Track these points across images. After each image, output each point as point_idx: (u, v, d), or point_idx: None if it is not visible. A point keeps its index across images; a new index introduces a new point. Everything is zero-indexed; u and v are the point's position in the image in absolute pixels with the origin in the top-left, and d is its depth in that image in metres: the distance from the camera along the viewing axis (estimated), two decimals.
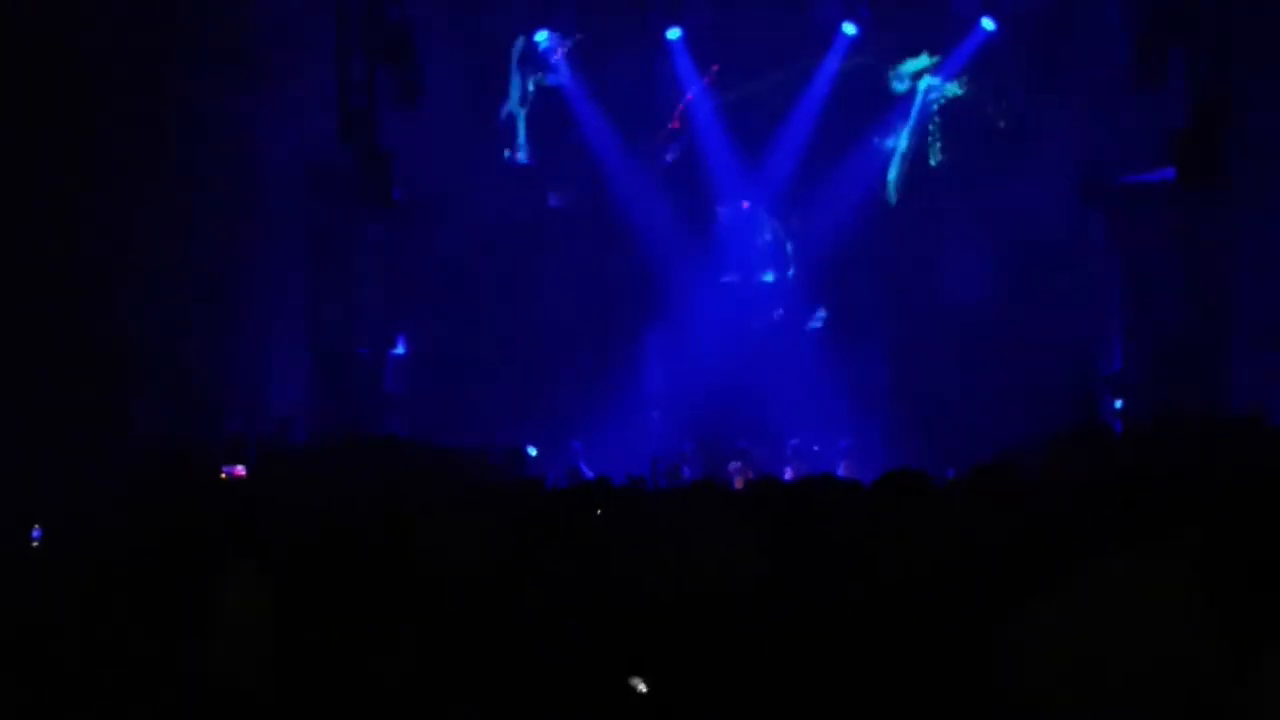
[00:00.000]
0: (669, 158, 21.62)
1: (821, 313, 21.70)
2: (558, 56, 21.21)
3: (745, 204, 21.89)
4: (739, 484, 17.39)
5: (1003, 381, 20.01)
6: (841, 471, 18.10)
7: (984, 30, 20.63)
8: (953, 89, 21.18)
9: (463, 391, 20.57)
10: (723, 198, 21.99)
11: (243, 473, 13.21)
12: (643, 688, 4.51)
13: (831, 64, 21.18)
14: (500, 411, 20.24)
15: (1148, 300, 19.41)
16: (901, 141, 21.38)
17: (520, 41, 21.15)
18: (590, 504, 6.76)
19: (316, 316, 19.03)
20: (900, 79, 21.30)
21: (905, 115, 21.34)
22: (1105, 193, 19.90)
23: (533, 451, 18.75)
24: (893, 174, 21.44)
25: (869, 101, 21.33)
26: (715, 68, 21.21)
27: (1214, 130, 16.62)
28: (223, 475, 13.33)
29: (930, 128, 21.35)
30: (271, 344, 18.63)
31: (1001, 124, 20.92)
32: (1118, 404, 19.51)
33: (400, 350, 20.73)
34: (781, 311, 21.74)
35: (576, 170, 21.55)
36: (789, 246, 21.83)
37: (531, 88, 21.33)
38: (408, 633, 4.27)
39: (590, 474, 17.17)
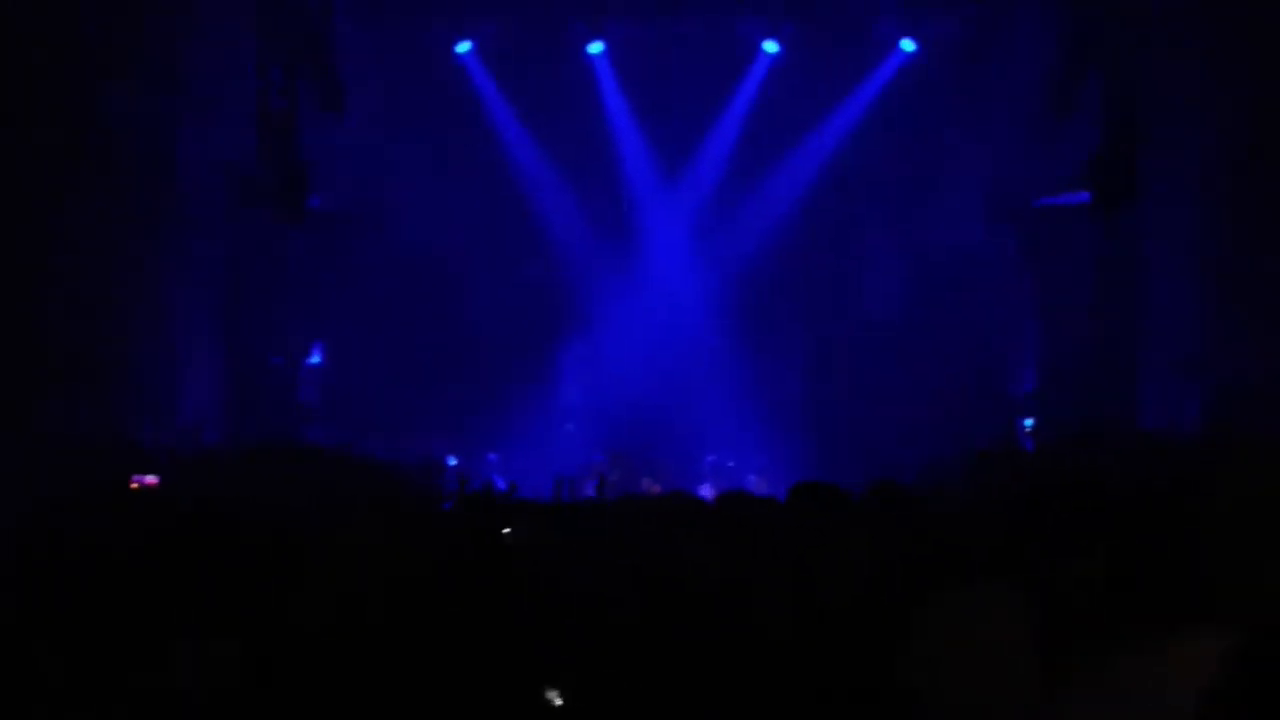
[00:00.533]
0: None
1: None
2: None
3: None
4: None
5: (918, 399, 20.14)
6: (752, 487, 18.20)
7: (903, 52, 20.75)
8: None
9: (380, 401, 20.48)
10: (642, 211, 22.02)
11: (154, 481, 13.10)
12: (558, 701, 4.52)
13: (753, 81, 21.26)
14: (418, 421, 20.16)
15: (1059, 320, 19.62)
16: None
17: None
18: (494, 521, 6.76)
19: (232, 323, 18.90)
20: None
21: (826, 131, 21.42)
22: (1019, 213, 20.08)
23: (452, 462, 18.72)
24: None
25: (789, 119, 21.39)
26: None
27: (1128, 155, 16.83)
28: (133, 483, 13.20)
29: None
30: (186, 350, 18.47)
31: (918, 145, 21.05)
32: (1028, 422, 19.67)
33: (316, 359, 20.62)
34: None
35: (496, 181, 21.50)
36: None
37: None
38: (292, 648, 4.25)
39: (504, 486, 17.15)
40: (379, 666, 4.14)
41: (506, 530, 7.95)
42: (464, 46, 20.98)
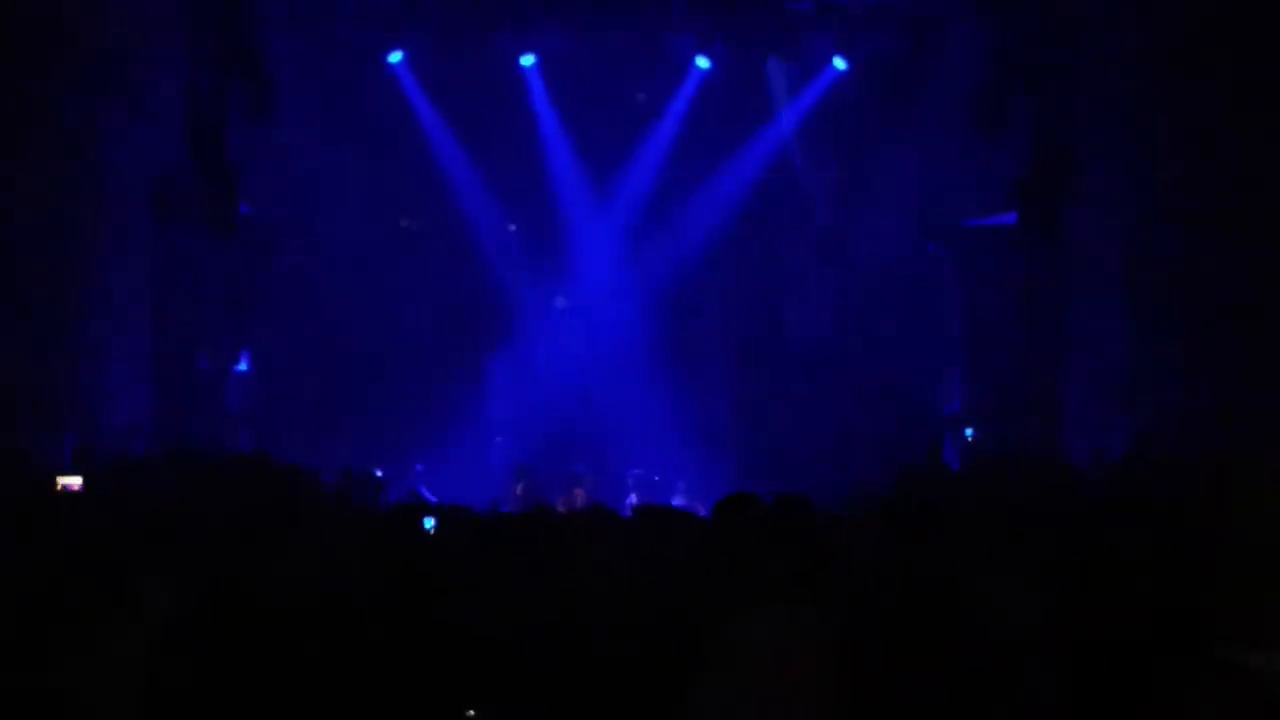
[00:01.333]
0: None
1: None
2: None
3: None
4: (570, 508, 17.47)
5: (844, 418, 20.25)
6: (676, 502, 18.28)
7: (835, 70, 20.85)
8: None
9: (308, 409, 20.43)
10: (572, 225, 22.05)
11: (78, 485, 13.03)
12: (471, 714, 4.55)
13: (684, 97, 21.32)
14: (345, 431, 20.09)
15: (986, 341, 19.74)
16: None
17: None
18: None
19: (160, 329, 18.78)
20: None
21: (757, 148, 21.50)
22: (949, 232, 20.20)
23: (378, 473, 18.67)
24: None
25: (720, 135, 21.46)
26: None
27: (1054, 179, 16.97)
28: (59, 487, 13.13)
29: None
30: (114, 355, 18.35)
31: (849, 163, 21.15)
32: (969, 432, 19.75)
33: (243, 366, 20.54)
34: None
35: (426, 192, 21.48)
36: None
37: None
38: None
39: (432, 498, 17.14)
40: (294, 674, 4.15)
41: (429, 522, 7.98)
42: (395, 56, 20.91)
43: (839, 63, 20.73)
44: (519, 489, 18.78)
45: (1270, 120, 14.71)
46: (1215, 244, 15.46)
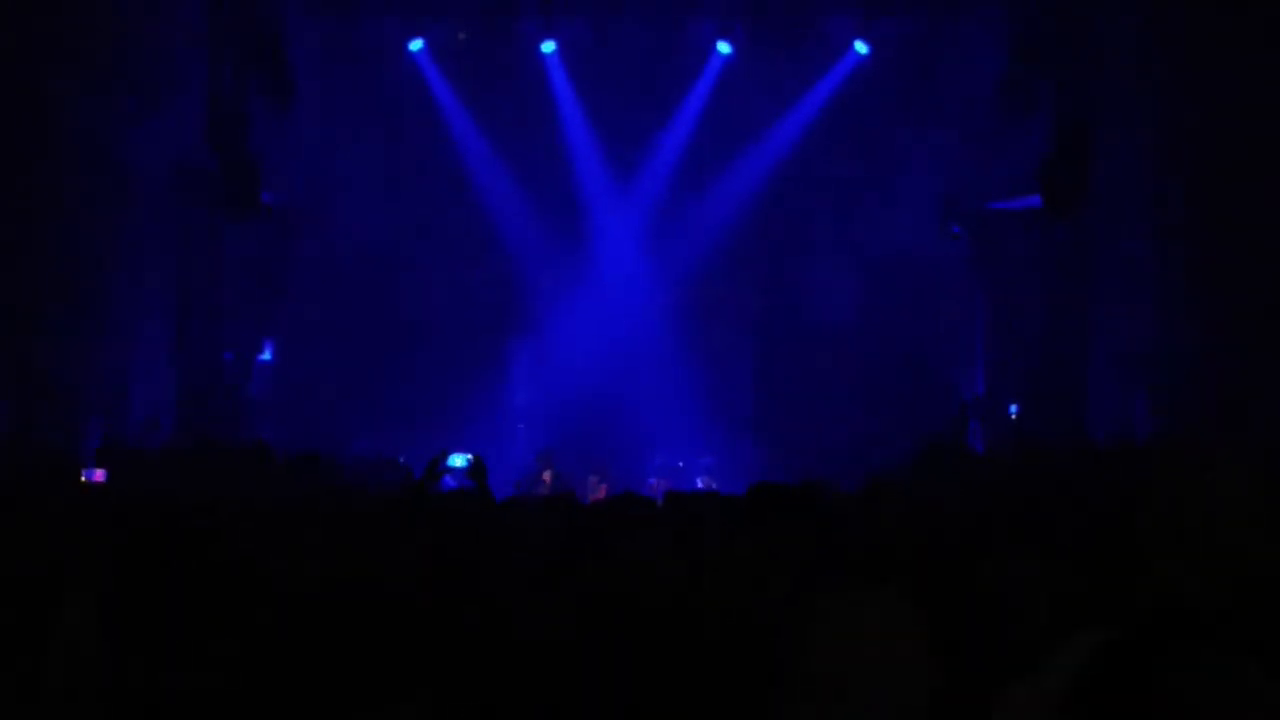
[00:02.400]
0: None
1: None
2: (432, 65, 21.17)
3: None
4: (596, 497, 17.47)
5: (868, 403, 20.24)
6: (700, 486, 18.28)
7: (856, 54, 20.79)
8: None
9: (331, 398, 20.44)
10: (594, 212, 22.04)
11: (102, 477, 13.05)
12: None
13: (706, 82, 21.28)
14: (368, 419, 20.12)
15: (1009, 324, 19.67)
16: None
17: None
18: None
19: (184, 319, 18.81)
20: None
21: (779, 134, 21.46)
22: (971, 216, 20.13)
23: (401, 460, 18.67)
24: None
25: (742, 120, 21.42)
26: None
27: (1079, 159, 16.88)
28: (83, 479, 13.15)
29: None
30: (137, 347, 18.39)
31: (871, 147, 21.09)
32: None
33: (267, 356, 20.57)
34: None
35: (448, 180, 21.47)
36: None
37: None
38: (226, 645, 4.23)
39: (453, 484, 17.10)
40: (326, 661, 4.12)
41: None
42: (416, 44, 20.92)
43: (860, 47, 20.67)
44: (546, 475, 18.73)
45: None
46: (1241, 226, 15.38)
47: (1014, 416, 19.19)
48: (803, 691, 3.12)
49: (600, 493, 18.20)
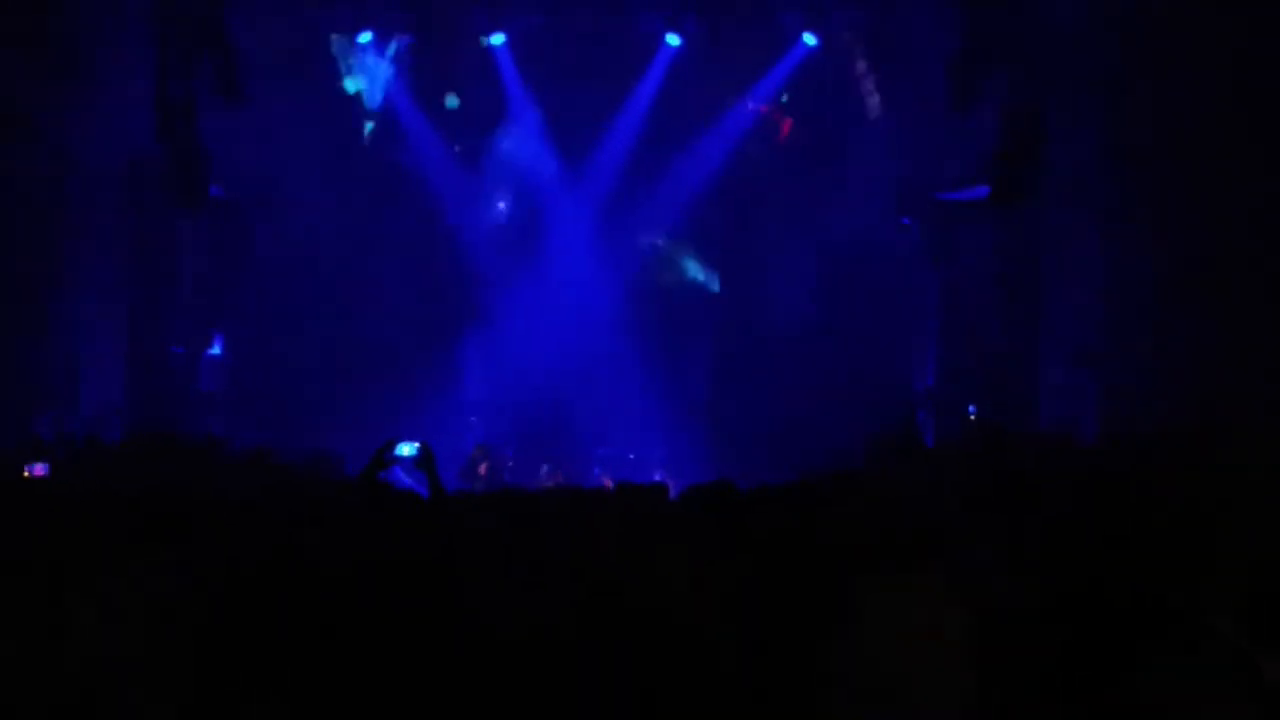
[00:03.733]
0: None
1: None
2: (384, 57, 21.10)
3: None
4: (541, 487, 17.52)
5: (821, 394, 20.25)
6: (653, 479, 18.30)
7: (805, 45, 20.82)
8: None
9: (282, 392, 20.38)
10: (545, 203, 22.04)
11: (43, 471, 12.97)
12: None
13: (656, 74, 21.29)
14: (319, 413, 20.05)
15: (961, 315, 19.74)
16: None
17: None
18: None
19: (134, 313, 18.74)
20: None
21: (728, 127, 21.49)
22: (923, 207, 20.19)
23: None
24: None
25: (692, 112, 21.44)
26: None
27: (1028, 150, 16.94)
28: (25, 474, 13.08)
29: None
30: (88, 341, 18.32)
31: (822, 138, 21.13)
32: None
33: (216, 350, 20.50)
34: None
35: (399, 173, 21.43)
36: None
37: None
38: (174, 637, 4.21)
39: (409, 481, 17.10)
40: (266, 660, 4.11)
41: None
42: (365, 37, 20.86)
43: (809, 38, 20.70)
44: (482, 468, 18.76)
45: (1245, 88, 14.70)
46: (1190, 214, 15.47)
47: (972, 415, 19.26)
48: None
49: (551, 484, 18.27)
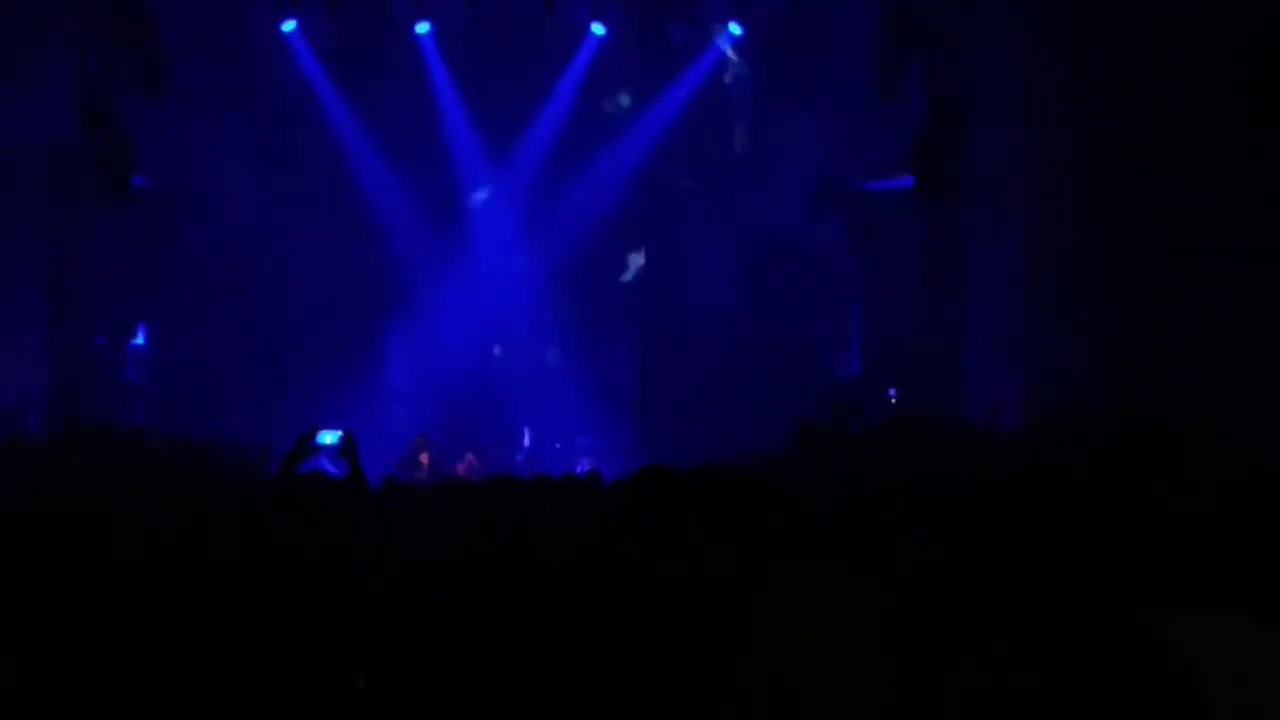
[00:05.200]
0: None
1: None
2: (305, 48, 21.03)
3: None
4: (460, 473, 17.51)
5: (746, 383, 20.34)
6: (582, 469, 18.31)
7: (730, 35, 20.88)
8: None
9: (207, 382, 20.27)
10: (470, 192, 22.03)
11: None
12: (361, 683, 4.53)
13: (580, 63, 21.31)
14: (244, 403, 19.95)
15: (884, 305, 19.83)
16: None
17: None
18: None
19: (56, 303, 18.59)
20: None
21: (652, 117, 21.53)
22: (846, 197, 20.25)
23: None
24: None
25: (617, 101, 21.48)
26: None
27: (950, 141, 17.02)
28: None
29: None
30: (8, 331, 18.17)
31: (744, 128, 21.20)
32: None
33: (140, 340, 20.37)
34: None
35: (323, 162, 21.36)
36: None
37: None
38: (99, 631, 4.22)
39: (333, 469, 17.04)
40: (188, 651, 4.12)
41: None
42: (289, 25, 20.76)
43: (734, 28, 20.77)
44: (424, 458, 18.73)
45: (1164, 78, 14.83)
46: (1112, 204, 15.58)
47: (893, 400, 19.33)
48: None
49: (463, 469, 18.29)
